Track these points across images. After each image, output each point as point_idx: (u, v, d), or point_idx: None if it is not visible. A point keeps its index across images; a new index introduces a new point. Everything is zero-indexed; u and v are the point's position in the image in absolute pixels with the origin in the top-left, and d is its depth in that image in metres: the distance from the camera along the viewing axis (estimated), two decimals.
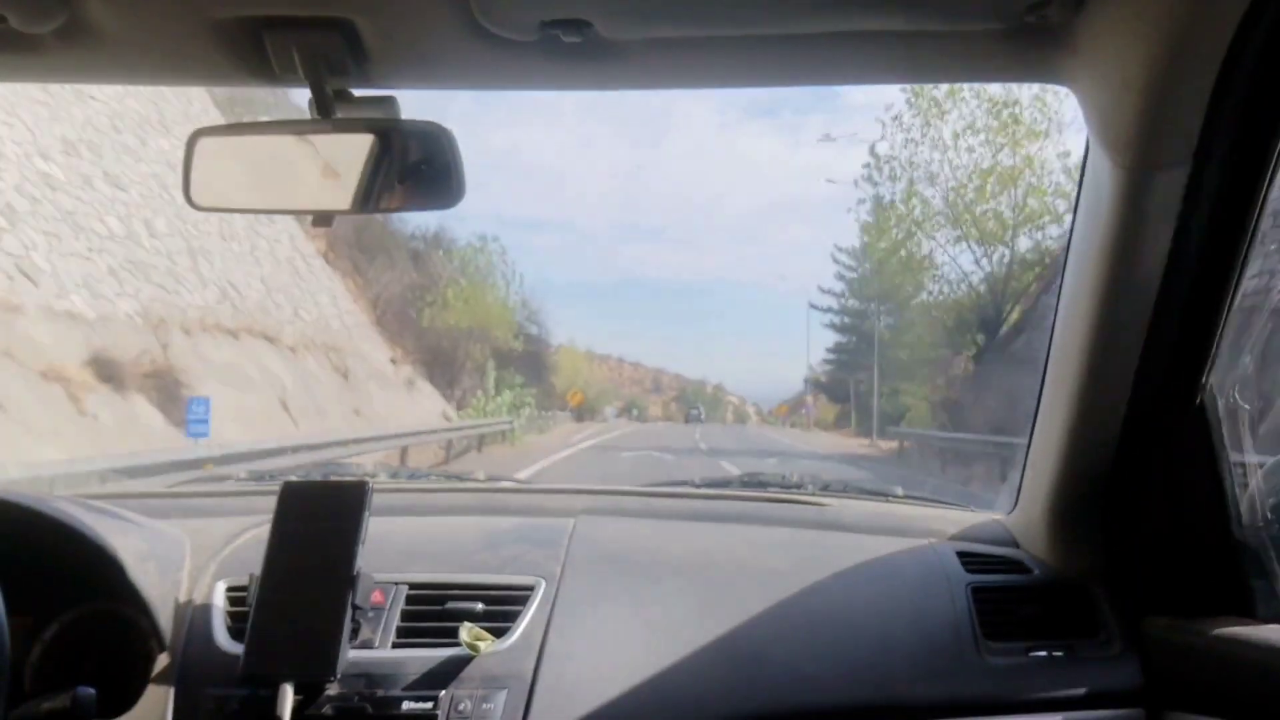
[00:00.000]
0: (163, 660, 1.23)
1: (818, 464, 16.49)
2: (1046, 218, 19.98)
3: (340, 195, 1.11)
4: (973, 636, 1.33)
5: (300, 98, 1.06)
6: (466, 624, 1.22)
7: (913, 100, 20.71)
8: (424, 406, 22.03)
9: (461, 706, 1.15)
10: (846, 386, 37.32)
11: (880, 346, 27.86)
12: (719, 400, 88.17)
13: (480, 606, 1.26)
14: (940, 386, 23.24)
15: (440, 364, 25.48)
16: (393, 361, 22.28)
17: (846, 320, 37.10)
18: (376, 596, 1.24)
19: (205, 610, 1.28)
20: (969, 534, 1.55)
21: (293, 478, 1.58)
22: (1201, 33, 0.95)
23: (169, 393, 12.16)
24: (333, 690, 1.15)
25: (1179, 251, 1.15)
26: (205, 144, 1.11)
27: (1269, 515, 1.27)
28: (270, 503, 1.25)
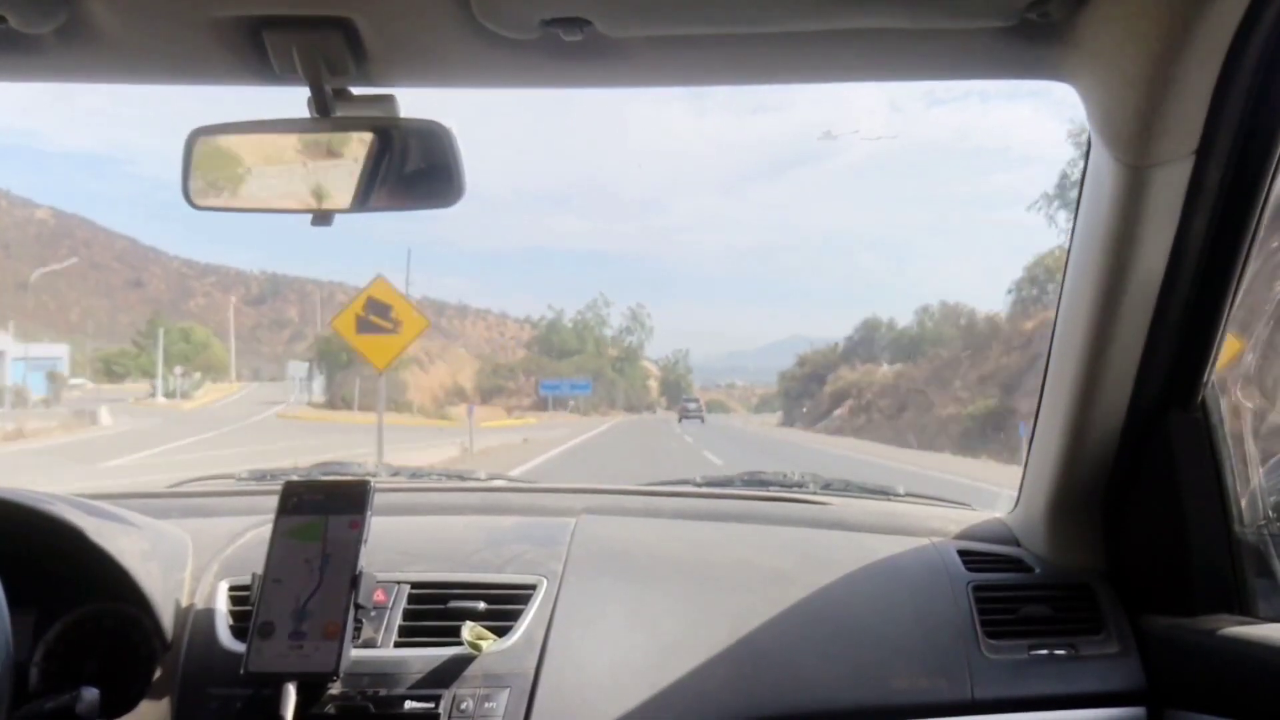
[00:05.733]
0: (166, 660, 1.23)
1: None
2: None
3: (340, 194, 1.12)
4: (975, 635, 1.33)
5: None
6: (468, 623, 1.22)
7: None
8: None
9: (464, 705, 1.15)
10: None
11: None
12: (632, 361, 54.15)
13: (482, 605, 1.26)
14: None
15: None
16: None
17: None
18: (379, 596, 1.24)
19: (208, 609, 1.28)
20: (971, 533, 1.55)
21: (294, 477, 1.59)
22: (1203, 29, 0.95)
23: None
24: (335, 689, 1.15)
25: (1180, 248, 1.15)
26: (204, 143, 1.11)
27: (1270, 514, 1.27)
28: (272, 502, 1.25)
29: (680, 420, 34.65)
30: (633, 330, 58.46)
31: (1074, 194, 1.27)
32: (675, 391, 56.09)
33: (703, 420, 35.48)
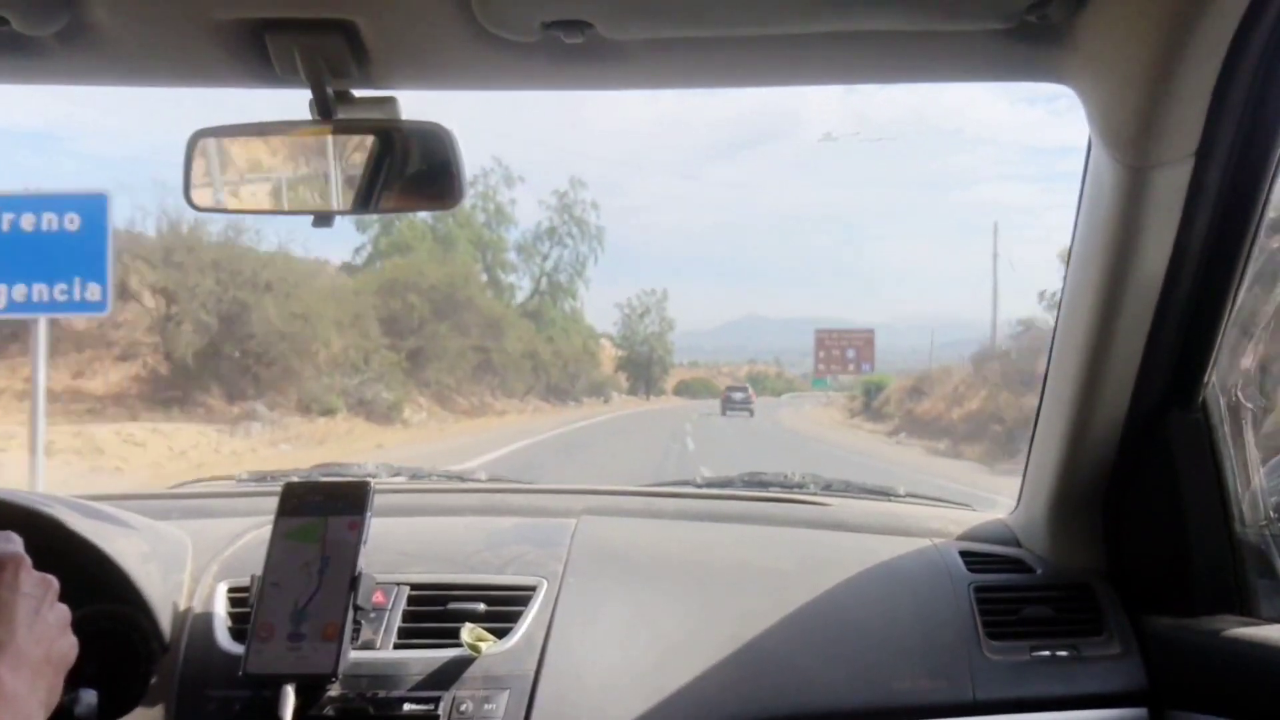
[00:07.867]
0: (164, 662, 1.23)
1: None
2: None
3: (341, 196, 1.12)
4: (976, 636, 1.33)
5: None
6: (468, 624, 1.22)
7: None
8: None
9: (463, 707, 1.14)
10: None
11: None
12: (560, 297, 31.63)
13: (482, 607, 1.26)
14: None
15: None
16: None
17: None
18: (378, 597, 1.24)
19: (207, 611, 1.28)
20: (972, 533, 1.55)
21: (294, 478, 1.58)
22: (1203, 30, 0.95)
23: None
24: (334, 691, 1.15)
25: (1181, 249, 1.15)
26: (205, 144, 1.11)
27: (1271, 514, 1.27)
28: (272, 503, 1.25)
29: (724, 413, 26.45)
30: (564, 238, 29.27)
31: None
32: (642, 366, 34.88)
33: (751, 413, 27.40)
